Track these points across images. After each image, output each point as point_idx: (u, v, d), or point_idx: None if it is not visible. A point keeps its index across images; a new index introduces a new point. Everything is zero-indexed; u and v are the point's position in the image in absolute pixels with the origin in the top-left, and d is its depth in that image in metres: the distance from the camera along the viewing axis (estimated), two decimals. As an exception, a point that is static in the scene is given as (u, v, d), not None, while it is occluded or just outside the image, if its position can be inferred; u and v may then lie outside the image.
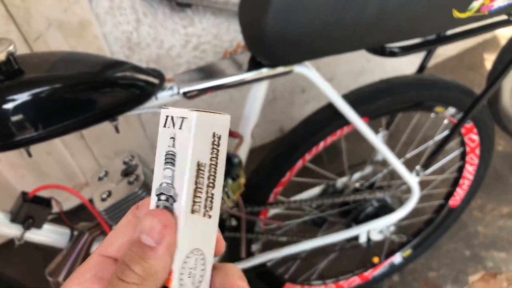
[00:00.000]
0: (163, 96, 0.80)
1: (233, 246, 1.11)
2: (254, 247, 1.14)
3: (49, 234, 0.91)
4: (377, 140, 1.02)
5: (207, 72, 0.84)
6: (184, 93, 0.79)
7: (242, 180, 0.85)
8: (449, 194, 1.38)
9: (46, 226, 0.91)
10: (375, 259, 1.47)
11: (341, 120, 0.96)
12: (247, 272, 1.15)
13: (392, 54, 0.83)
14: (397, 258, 1.47)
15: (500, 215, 1.68)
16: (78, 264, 0.89)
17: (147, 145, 1.64)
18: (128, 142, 1.58)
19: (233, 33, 1.53)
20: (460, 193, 1.36)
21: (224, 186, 0.82)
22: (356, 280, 1.44)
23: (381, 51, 0.84)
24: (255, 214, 1.04)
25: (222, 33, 1.51)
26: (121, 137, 1.54)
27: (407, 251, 1.47)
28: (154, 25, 1.36)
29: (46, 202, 0.88)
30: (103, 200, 0.83)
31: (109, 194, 0.84)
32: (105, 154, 1.58)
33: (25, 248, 0.89)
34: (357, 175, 1.24)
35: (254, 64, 0.84)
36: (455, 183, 1.35)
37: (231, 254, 1.14)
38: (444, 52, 2.39)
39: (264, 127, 1.99)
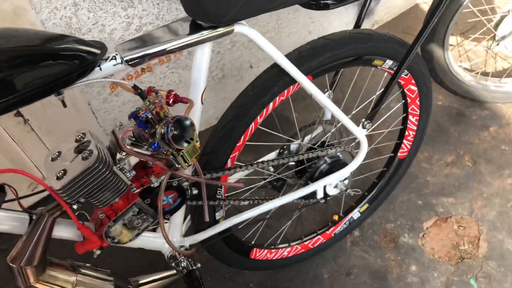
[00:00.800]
0: (107, 66, 0.80)
1: (198, 214, 1.13)
2: (218, 215, 1.16)
3: (4, 221, 0.89)
4: (323, 96, 1.06)
5: (148, 39, 0.85)
6: (127, 61, 0.80)
7: (198, 144, 0.87)
8: (397, 147, 1.46)
9: (2, 213, 0.89)
10: (335, 217, 1.53)
11: (286, 79, 1.00)
12: (214, 240, 1.18)
13: (325, 6, 0.87)
14: (355, 214, 1.55)
15: (445, 164, 1.79)
16: (41, 248, 0.88)
17: (100, 131, 1.62)
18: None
19: (174, 12, 1.53)
20: (407, 144, 1.44)
21: (179, 150, 0.83)
22: (319, 239, 1.51)
23: (316, 5, 0.88)
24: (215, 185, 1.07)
25: (163, 13, 1.51)
26: (73, 125, 1.52)
27: (364, 206, 1.55)
28: (93, 9, 1.34)
29: (-2, 188, 0.87)
30: (58, 178, 0.83)
31: (64, 172, 0.83)
32: (56, 147, 1.55)
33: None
34: (308, 137, 1.29)
35: (195, 28, 0.85)
36: (401, 135, 1.43)
37: (196, 223, 1.16)
38: (381, 19, 2.48)
39: (218, 105, 2.01)
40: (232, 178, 1.20)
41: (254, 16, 0.83)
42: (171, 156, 0.84)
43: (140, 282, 1.19)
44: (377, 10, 2.42)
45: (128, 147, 0.83)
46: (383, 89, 1.21)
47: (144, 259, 1.54)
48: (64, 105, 0.79)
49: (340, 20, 2.26)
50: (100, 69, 0.80)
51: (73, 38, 0.78)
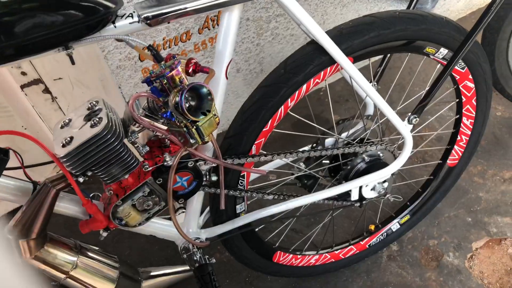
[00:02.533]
0: (122, 24, 0.73)
1: (217, 204, 1.03)
2: (239, 208, 1.06)
3: (7, 189, 0.83)
4: (365, 83, 0.94)
5: (169, -1, 0.77)
6: (145, 19, 0.72)
7: (217, 119, 0.78)
8: (447, 153, 1.30)
9: (4, 180, 0.84)
10: (371, 227, 1.39)
11: (324, 58, 0.89)
12: (233, 234, 1.07)
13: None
14: (394, 225, 1.39)
15: (502, 180, 1.60)
16: (40, 220, 0.82)
17: (123, 104, 1.55)
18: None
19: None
20: (458, 151, 1.28)
21: (194, 122, 0.74)
22: (352, 249, 1.36)
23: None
24: (238, 172, 0.97)
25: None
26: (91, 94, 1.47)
27: (405, 217, 1.39)
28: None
29: (2, 153, 0.81)
30: (64, 146, 0.76)
31: (71, 139, 0.76)
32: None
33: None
34: (346, 132, 1.16)
35: (223, -11, 0.77)
36: (453, 140, 1.27)
37: (215, 215, 1.07)
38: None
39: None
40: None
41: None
42: (185, 129, 0.75)
43: (152, 274, 1.10)
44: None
45: (141, 119, 0.75)
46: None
47: (162, 254, 1.46)
48: (72, 62, 0.72)
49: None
50: (115, 26, 0.73)
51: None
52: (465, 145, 1.27)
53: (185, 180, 0.89)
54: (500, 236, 1.44)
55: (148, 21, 0.73)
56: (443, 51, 1.02)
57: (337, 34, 0.90)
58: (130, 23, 0.73)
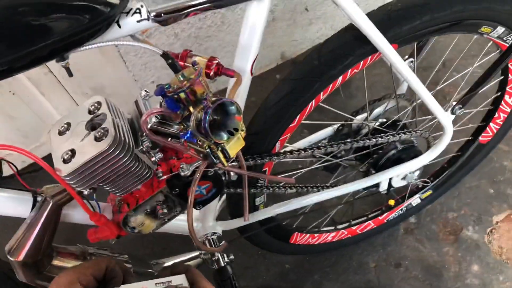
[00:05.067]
0: (128, 22, 0.58)
1: (235, 200, 0.95)
2: (258, 200, 0.98)
3: (5, 203, 0.74)
4: (406, 67, 0.80)
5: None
6: (156, 16, 0.57)
7: (243, 133, 0.66)
8: (480, 130, 1.20)
9: (2, 194, 0.73)
10: (391, 202, 1.31)
11: (366, 48, 0.75)
12: (253, 231, 1.00)
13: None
14: (415, 200, 1.33)
15: (529, 147, 1.51)
16: (45, 241, 0.73)
17: (129, 77, 1.42)
18: (107, 75, 1.36)
19: None
20: (493, 128, 1.17)
21: (219, 143, 0.63)
22: (369, 224, 1.31)
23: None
24: (259, 167, 0.87)
25: None
26: (98, 70, 1.32)
27: (427, 192, 1.32)
28: None
29: (-6, 165, 0.70)
30: (65, 161, 0.65)
31: (73, 153, 0.65)
32: (81, 91, 1.37)
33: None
34: (377, 111, 1.04)
35: (251, -27, 0.61)
36: (489, 117, 1.16)
37: (232, 209, 0.99)
38: None
39: (262, 53, 1.75)
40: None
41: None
42: (208, 150, 0.64)
43: (165, 265, 1.05)
44: None
45: (154, 136, 0.63)
46: (478, 63, 0.93)
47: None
48: (70, 74, 0.59)
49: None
50: (119, 26, 0.58)
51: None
52: (501, 123, 1.16)
53: (204, 188, 0.79)
54: (522, 209, 1.39)
55: (160, 19, 0.58)
56: (500, 30, 0.87)
57: (383, 20, 0.75)
58: (137, 21, 0.58)
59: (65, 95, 1.33)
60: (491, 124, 1.16)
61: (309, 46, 1.84)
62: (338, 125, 1.05)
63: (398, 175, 1.00)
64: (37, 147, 1.41)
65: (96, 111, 0.70)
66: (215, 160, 0.66)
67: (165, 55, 0.58)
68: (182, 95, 0.59)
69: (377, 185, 1.01)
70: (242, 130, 0.65)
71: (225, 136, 0.62)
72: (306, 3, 1.66)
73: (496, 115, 1.14)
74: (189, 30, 1.39)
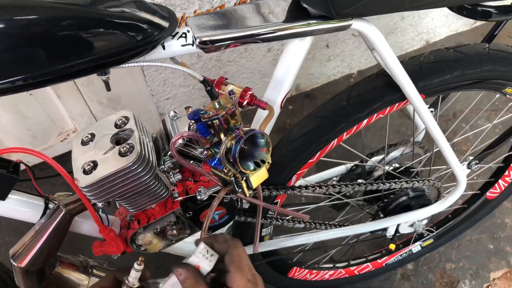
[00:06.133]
0: (172, 45, 0.59)
1: (241, 228, 0.94)
2: (265, 231, 0.97)
3: (16, 206, 0.73)
4: (430, 117, 0.81)
5: (229, 18, 0.62)
6: (202, 43, 0.58)
7: (267, 166, 0.66)
8: (488, 185, 1.20)
9: (13, 196, 0.73)
10: (392, 246, 1.31)
11: (396, 95, 0.76)
12: (256, 262, 0.99)
13: (485, 15, 0.62)
14: (415, 247, 1.32)
15: (532, 207, 1.52)
16: (52, 250, 0.72)
17: (146, 91, 1.42)
18: (125, 87, 1.36)
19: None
20: (502, 185, 1.18)
21: (243, 172, 0.62)
22: (368, 266, 1.30)
23: (472, 11, 0.62)
24: (272, 199, 0.86)
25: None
26: (118, 81, 1.33)
27: (428, 241, 1.32)
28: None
29: (12, 167, 0.69)
30: (85, 172, 0.64)
31: (94, 165, 0.64)
32: (97, 100, 1.37)
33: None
34: (393, 155, 1.05)
35: (297, 13, 0.62)
36: (499, 173, 1.17)
37: (237, 236, 0.98)
38: None
39: (278, 82, 1.77)
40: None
41: (386, 13, 0.59)
42: (233, 178, 0.64)
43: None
44: None
45: (181, 158, 0.63)
46: (498, 120, 0.95)
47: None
48: (108, 89, 0.59)
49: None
50: (164, 47, 0.58)
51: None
52: (511, 181, 1.17)
53: (217, 214, 0.79)
54: (521, 269, 1.39)
55: (205, 47, 0.59)
56: (523, 91, 0.89)
57: (415, 70, 0.76)
58: (182, 45, 0.59)
59: (80, 101, 1.33)
60: (500, 181, 1.17)
61: (324, 82, 1.86)
62: (352, 164, 1.05)
63: (407, 221, 1.00)
64: (44, 149, 1.40)
65: (123, 125, 0.69)
66: (237, 189, 0.65)
67: (205, 82, 0.59)
68: (216, 122, 0.59)
69: (385, 229, 1.01)
70: (268, 163, 0.65)
71: (251, 166, 0.62)
72: (328, 40, 1.68)
73: (506, 172, 1.15)
74: (212, 53, 1.40)
